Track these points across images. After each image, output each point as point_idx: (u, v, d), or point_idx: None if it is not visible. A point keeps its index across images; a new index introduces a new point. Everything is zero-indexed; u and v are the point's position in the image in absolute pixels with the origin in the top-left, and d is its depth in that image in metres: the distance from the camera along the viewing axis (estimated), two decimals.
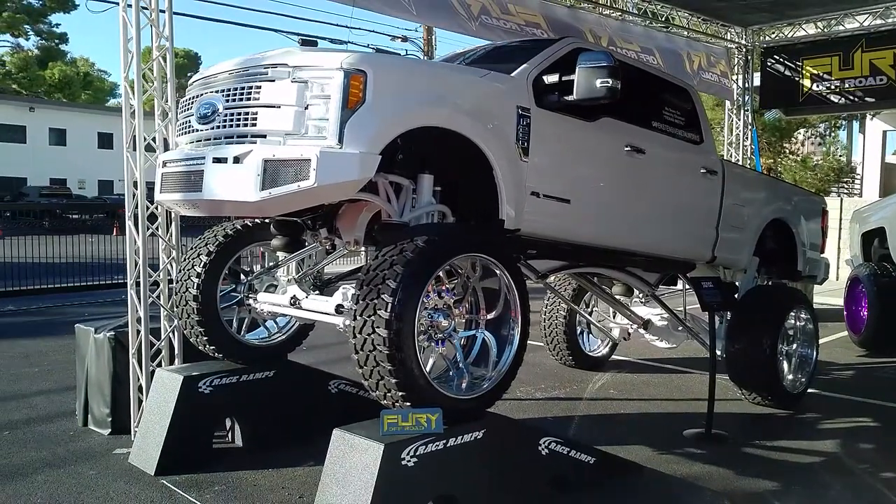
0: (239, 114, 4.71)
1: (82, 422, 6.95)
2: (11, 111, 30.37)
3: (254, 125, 4.64)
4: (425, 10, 9.32)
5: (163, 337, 6.68)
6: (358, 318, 4.44)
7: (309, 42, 5.22)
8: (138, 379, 6.58)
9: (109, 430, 6.72)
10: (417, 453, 4.41)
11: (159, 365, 6.62)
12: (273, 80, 4.65)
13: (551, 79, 5.62)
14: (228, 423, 6.48)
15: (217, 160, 4.64)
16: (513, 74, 5.55)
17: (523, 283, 5.11)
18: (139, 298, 6.51)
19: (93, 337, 6.84)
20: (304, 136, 4.50)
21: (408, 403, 4.48)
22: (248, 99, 4.70)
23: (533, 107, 5.47)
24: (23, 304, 14.50)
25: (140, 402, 6.49)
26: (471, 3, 9.71)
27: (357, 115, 4.46)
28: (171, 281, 6.59)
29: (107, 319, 7.24)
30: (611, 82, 5.31)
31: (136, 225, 6.45)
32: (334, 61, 4.54)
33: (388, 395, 4.51)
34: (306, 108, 4.51)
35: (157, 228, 6.67)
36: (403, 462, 4.36)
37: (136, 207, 6.42)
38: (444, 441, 4.55)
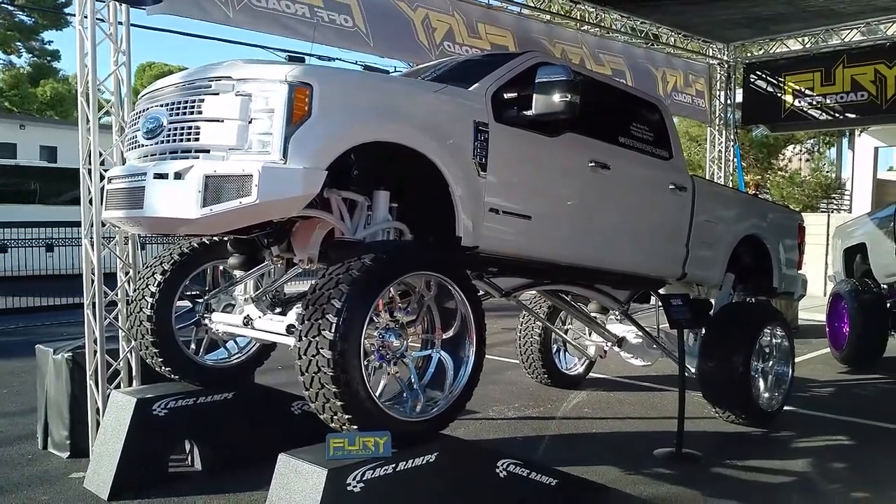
0: (182, 128, 4.58)
1: (42, 444, 6.79)
2: (2, 129, 30.25)
3: (196, 140, 4.52)
4: (383, 41, 9.13)
5: (120, 358, 6.55)
6: (303, 338, 4.32)
7: (296, 59, 5.10)
8: (96, 401, 6.45)
9: (68, 453, 6.56)
10: (364, 478, 4.28)
11: (118, 386, 6.48)
12: (217, 94, 4.53)
13: (510, 93, 5.52)
14: (188, 446, 6.32)
15: (158, 176, 4.52)
16: (471, 89, 5.45)
17: (478, 302, 4.99)
18: (95, 319, 6.38)
19: (51, 358, 6.71)
20: (247, 150, 4.37)
21: (355, 426, 4.35)
22: (192, 113, 4.57)
23: (491, 122, 5.35)
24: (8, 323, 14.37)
25: (98, 424, 6.34)
26: (436, 26, 9.57)
27: (302, 130, 4.34)
28: (128, 301, 6.46)
29: (76, 339, 7.10)
30: (570, 97, 5.22)
31: (91, 243, 6.34)
32: (278, 74, 4.43)
33: (335, 417, 4.39)
34: (250, 122, 4.39)
35: (114, 247, 6.55)
36: (349, 487, 4.22)
37: (92, 225, 6.31)
38: (394, 465, 4.42)
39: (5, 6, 39.51)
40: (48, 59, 47.63)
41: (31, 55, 46.28)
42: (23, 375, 9.41)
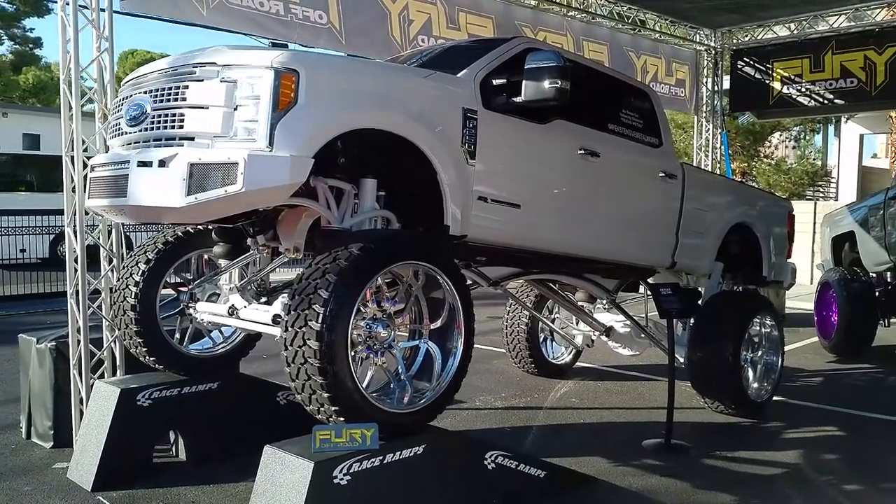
0: (166, 115, 4.48)
1: (26, 434, 6.72)
2: None
3: (181, 127, 4.42)
4: (355, 36, 9.06)
5: (104, 347, 6.46)
6: (289, 329, 4.25)
7: (279, 45, 5.02)
8: (80, 391, 6.37)
9: (52, 443, 6.49)
10: (351, 471, 4.23)
11: (102, 376, 6.41)
12: (201, 80, 4.44)
13: (499, 80, 5.45)
14: (172, 436, 6.25)
15: (142, 164, 4.43)
16: (459, 75, 5.37)
17: (467, 292, 4.93)
18: (79, 308, 6.30)
19: (34, 347, 6.62)
20: (233, 138, 4.29)
21: (342, 418, 4.29)
22: (176, 99, 4.47)
23: (480, 108, 5.28)
24: None
25: (82, 414, 6.27)
26: (414, 18, 9.44)
27: (288, 117, 4.25)
28: (112, 290, 6.36)
29: (60, 328, 7.01)
30: (560, 83, 5.15)
31: (74, 232, 6.25)
32: (264, 60, 4.34)
33: (322, 409, 4.32)
34: (235, 108, 4.30)
35: (97, 235, 6.46)
36: (336, 480, 4.17)
37: (75, 213, 6.21)
38: (381, 457, 4.37)
39: None
40: (30, 46, 47.20)
41: (12, 43, 45.83)
42: (1, 364, 9.32)
